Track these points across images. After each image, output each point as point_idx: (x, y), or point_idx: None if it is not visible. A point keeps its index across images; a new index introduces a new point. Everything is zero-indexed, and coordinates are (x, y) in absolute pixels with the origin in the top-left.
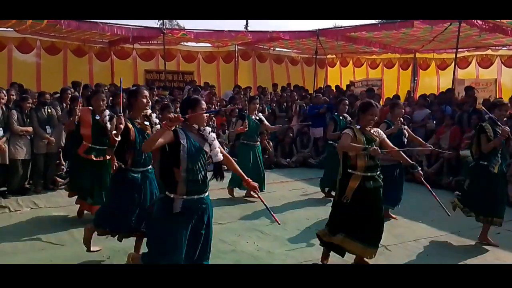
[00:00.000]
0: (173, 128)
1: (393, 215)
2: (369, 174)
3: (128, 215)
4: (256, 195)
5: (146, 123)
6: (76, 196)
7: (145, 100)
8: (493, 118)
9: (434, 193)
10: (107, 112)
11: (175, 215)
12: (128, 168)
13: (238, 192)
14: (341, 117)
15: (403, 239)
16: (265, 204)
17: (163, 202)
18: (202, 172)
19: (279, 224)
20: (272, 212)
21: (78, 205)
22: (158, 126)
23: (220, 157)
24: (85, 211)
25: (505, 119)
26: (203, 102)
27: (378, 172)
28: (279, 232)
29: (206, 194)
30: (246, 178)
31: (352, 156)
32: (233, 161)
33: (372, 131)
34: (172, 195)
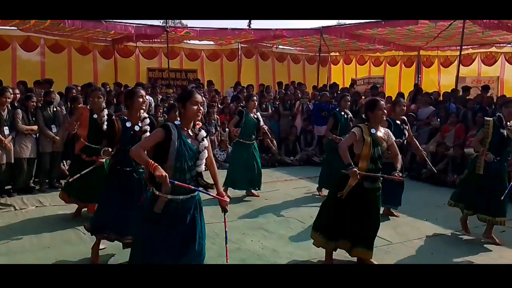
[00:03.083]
0: (165, 127)
1: (396, 213)
2: (370, 168)
3: (116, 213)
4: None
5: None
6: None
7: (141, 100)
8: (501, 116)
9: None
10: (105, 111)
11: (158, 215)
12: (117, 167)
13: (241, 191)
14: (342, 113)
15: (408, 237)
16: (225, 227)
17: (150, 200)
18: (192, 172)
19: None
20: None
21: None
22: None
23: (201, 169)
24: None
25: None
26: (198, 96)
27: (378, 174)
28: (283, 231)
29: (195, 194)
30: (221, 191)
31: (357, 154)
32: (215, 168)
33: (381, 133)
34: (157, 193)
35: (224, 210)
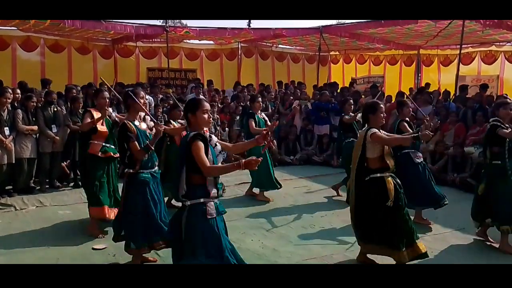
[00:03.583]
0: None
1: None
2: (392, 173)
3: (155, 218)
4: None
5: (143, 125)
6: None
7: (141, 101)
8: (499, 119)
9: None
10: (110, 109)
11: (212, 220)
12: (137, 171)
13: (242, 190)
14: (347, 116)
15: None
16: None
17: (195, 209)
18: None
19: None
20: None
21: (84, 203)
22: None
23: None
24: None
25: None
26: (207, 104)
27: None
28: (284, 230)
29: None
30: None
31: (375, 158)
32: (236, 144)
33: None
34: (202, 200)
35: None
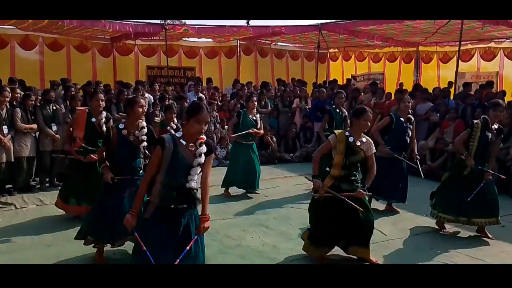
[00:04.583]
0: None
1: (396, 209)
2: (343, 174)
3: (106, 218)
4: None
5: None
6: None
7: (140, 110)
8: (487, 118)
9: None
10: (103, 114)
11: (148, 221)
12: (116, 177)
13: (240, 190)
14: (337, 110)
15: (408, 232)
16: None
17: (144, 206)
18: (180, 189)
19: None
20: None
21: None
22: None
23: (192, 185)
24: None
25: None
26: (205, 114)
27: (355, 177)
28: (284, 227)
29: (185, 206)
30: (206, 213)
31: (333, 160)
32: (206, 188)
33: (361, 141)
34: (148, 198)
35: (198, 232)
